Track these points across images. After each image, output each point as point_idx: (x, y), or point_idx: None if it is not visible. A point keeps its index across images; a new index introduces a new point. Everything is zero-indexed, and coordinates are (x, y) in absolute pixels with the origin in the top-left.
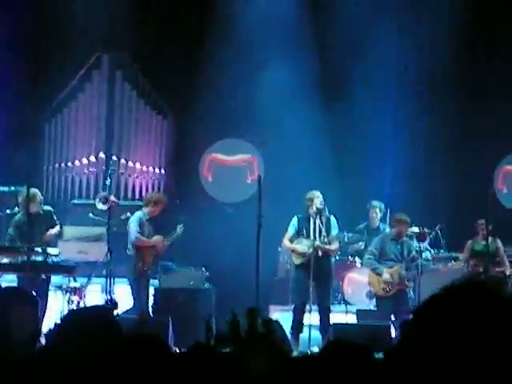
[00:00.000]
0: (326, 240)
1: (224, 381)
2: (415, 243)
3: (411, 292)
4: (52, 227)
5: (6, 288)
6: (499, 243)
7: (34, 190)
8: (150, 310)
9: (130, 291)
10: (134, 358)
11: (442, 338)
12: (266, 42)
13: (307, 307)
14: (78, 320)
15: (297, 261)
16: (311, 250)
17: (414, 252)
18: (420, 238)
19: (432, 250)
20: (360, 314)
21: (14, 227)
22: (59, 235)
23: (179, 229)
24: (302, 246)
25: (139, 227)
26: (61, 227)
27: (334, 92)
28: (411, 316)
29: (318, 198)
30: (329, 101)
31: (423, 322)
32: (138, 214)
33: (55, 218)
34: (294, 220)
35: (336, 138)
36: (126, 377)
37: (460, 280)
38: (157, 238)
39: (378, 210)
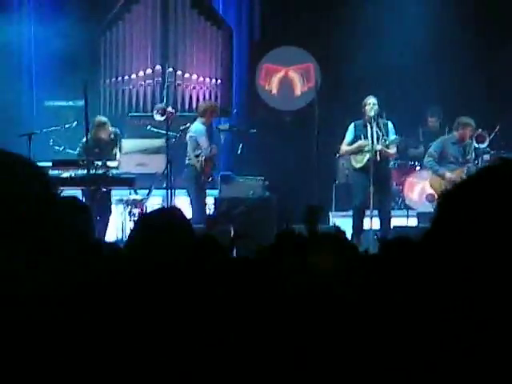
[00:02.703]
0: (385, 144)
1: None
2: (476, 145)
3: None
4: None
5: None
6: None
7: (103, 119)
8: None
9: (190, 202)
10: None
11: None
12: None
13: (367, 212)
14: (153, 219)
15: (356, 165)
16: (370, 149)
17: (471, 156)
18: (479, 139)
19: (492, 152)
20: (421, 216)
21: (81, 148)
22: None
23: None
24: (361, 143)
25: (195, 145)
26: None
27: None
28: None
29: (372, 102)
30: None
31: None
32: (199, 126)
33: (120, 143)
34: (351, 126)
35: (393, 41)
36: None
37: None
38: (214, 148)
39: (436, 118)
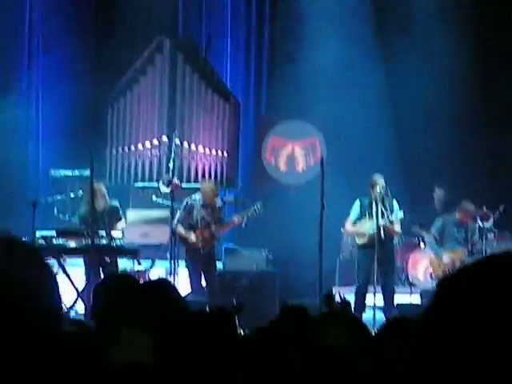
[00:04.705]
0: (389, 219)
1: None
2: (479, 223)
3: None
4: (118, 220)
5: None
6: None
7: (97, 186)
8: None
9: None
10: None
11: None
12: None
13: (370, 288)
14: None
15: (360, 241)
16: (375, 230)
17: (476, 237)
18: (483, 218)
19: (496, 231)
20: (424, 294)
21: (79, 218)
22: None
23: (256, 207)
24: (366, 226)
25: (185, 212)
26: (124, 217)
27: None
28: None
29: (379, 182)
30: (391, 76)
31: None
32: (192, 197)
33: (121, 213)
34: (357, 203)
35: (399, 120)
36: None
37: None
38: (192, 237)
39: (442, 192)
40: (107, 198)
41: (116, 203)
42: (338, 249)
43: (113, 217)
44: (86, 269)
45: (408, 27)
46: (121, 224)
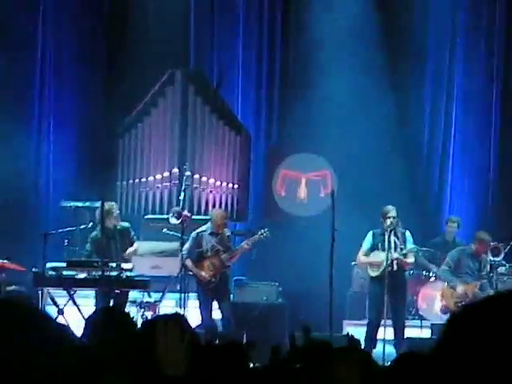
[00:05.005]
0: (402, 253)
1: None
2: (491, 258)
3: None
4: (131, 244)
5: None
6: None
7: (109, 204)
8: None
9: None
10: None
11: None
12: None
13: (381, 322)
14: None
15: (372, 273)
16: (387, 262)
17: (488, 267)
18: (494, 251)
19: (507, 265)
20: (434, 328)
21: (91, 243)
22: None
23: (262, 233)
24: (380, 256)
25: (194, 243)
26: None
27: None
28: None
29: (391, 213)
30: (402, 114)
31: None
32: (202, 228)
33: (133, 234)
34: (369, 235)
35: (410, 151)
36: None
37: None
38: (202, 273)
39: (455, 225)
40: (119, 219)
41: (127, 224)
42: (348, 282)
43: (125, 238)
44: (96, 300)
45: (421, 55)
46: (134, 247)
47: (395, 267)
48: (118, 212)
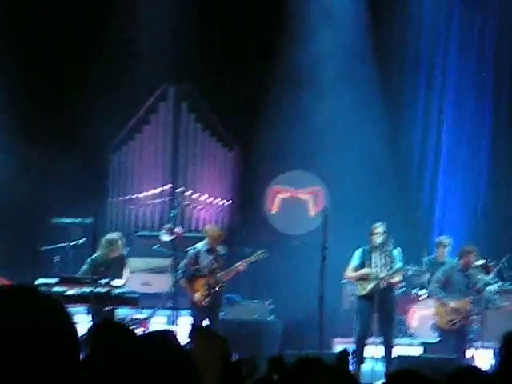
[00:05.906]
0: (390, 272)
1: None
2: (482, 276)
3: (474, 326)
4: (124, 266)
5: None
6: None
7: (116, 237)
8: None
9: None
10: None
11: None
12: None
13: (370, 339)
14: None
15: (361, 292)
16: (375, 281)
17: (479, 284)
18: (485, 270)
19: (498, 283)
20: (427, 346)
21: (89, 265)
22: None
23: (259, 254)
24: (367, 272)
25: (191, 261)
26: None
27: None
28: None
29: (378, 230)
30: (394, 133)
31: None
32: (197, 246)
33: (126, 259)
34: (358, 252)
35: (401, 169)
36: None
37: None
38: (196, 295)
39: (445, 247)
40: (122, 249)
41: (125, 253)
42: (339, 299)
43: (121, 264)
44: (92, 316)
45: (415, 75)
46: (126, 271)
47: (383, 286)
48: (122, 243)
